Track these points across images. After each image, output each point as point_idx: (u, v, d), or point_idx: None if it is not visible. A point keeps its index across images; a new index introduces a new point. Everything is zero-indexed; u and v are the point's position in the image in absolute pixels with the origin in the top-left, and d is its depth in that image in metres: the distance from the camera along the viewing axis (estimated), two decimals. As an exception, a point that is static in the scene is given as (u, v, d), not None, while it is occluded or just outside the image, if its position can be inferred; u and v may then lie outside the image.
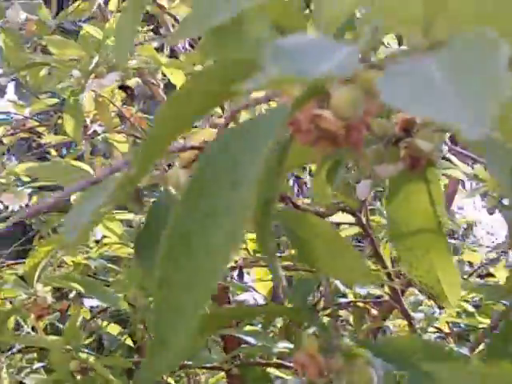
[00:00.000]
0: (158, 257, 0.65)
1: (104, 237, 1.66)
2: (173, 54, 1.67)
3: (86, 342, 1.67)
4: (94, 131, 1.64)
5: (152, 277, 0.63)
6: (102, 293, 1.01)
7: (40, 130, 1.81)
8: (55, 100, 1.84)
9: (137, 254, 0.63)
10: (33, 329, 1.26)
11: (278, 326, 1.44)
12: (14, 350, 1.29)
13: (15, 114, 1.84)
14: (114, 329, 1.71)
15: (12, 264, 1.64)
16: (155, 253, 0.65)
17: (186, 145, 0.62)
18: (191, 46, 1.68)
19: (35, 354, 1.44)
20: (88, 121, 1.59)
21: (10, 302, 1.32)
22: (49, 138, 1.70)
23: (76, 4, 1.70)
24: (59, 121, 1.77)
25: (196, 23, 0.44)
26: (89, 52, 1.11)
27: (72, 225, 0.55)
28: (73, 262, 1.42)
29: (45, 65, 1.48)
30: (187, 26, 0.43)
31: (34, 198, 1.64)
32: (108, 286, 1.51)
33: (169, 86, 1.77)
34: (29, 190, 1.54)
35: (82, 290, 1.01)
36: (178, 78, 1.62)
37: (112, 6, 1.71)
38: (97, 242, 1.71)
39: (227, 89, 0.44)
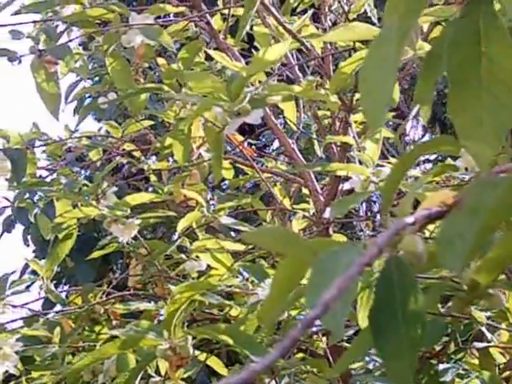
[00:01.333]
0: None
1: (209, 267, 1.59)
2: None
3: (185, 375, 1.60)
4: (199, 156, 1.57)
5: (388, 356, 0.56)
6: (251, 344, 0.94)
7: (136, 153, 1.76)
8: (151, 122, 1.78)
9: (371, 328, 0.56)
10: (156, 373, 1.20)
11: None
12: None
13: (108, 136, 1.79)
14: (214, 361, 1.63)
15: (116, 296, 1.59)
16: (389, 329, 0.58)
17: (431, 211, 0.55)
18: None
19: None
20: (194, 146, 1.53)
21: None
22: (154, 166, 1.64)
23: (177, 25, 1.64)
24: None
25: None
26: (236, 91, 1.03)
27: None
28: (187, 297, 1.35)
29: (155, 90, 1.42)
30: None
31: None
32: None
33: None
34: (138, 221, 1.47)
35: (230, 341, 0.93)
36: (289, 110, 1.56)
37: (217, 24, 1.64)
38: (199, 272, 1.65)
39: None
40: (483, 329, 1.22)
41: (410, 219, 0.52)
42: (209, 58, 1.76)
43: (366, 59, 0.54)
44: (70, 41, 1.33)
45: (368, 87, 0.52)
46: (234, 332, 0.96)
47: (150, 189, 2.83)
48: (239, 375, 0.36)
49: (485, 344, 1.26)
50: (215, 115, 1.40)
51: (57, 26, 1.43)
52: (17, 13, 1.40)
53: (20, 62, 1.25)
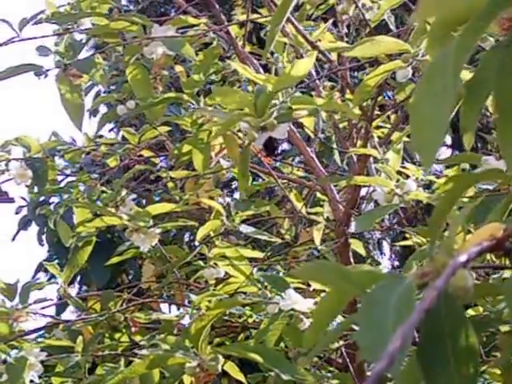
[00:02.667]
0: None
1: (228, 275, 1.59)
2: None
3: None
4: (217, 163, 1.58)
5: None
6: (282, 363, 0.94)
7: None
8: (167, 128, 1.78)
9: (420, 364, 0.57)
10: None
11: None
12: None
13: (125, 143, 1.78)
14: (231, 368, 1.63)
15: (136, 304, 1.59)
16: (438, 365, 0.58)
17: (483, 246, 0.55)
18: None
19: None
20: (212, 153, 1.53)
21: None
22: (174, 174, 1.64)
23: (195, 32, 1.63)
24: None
25: None
26: (262, 107, 1.03)
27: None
28: (208, 307, 1.35)
29: (175, 99, 1.41)
30: None
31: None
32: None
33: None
34: (159, 230, 1.47)
35: (261, 360, 0.94)
36: (308, 119, 1.56)
37: (234, 31, 1.64)
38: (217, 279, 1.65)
39: None
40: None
41: (463, 257, 0.53)
42: (221, 58, 1.76)
43: (417, 92, 0.53)
44: (94, 54, 1.33)
45: (421, 123, 0.51)
46: (264, 350, 0.96)
47: (160, 190, 2.82)
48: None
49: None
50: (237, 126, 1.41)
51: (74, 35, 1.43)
52: (37, 22, 1.40)
53: (46, 76, 1.25)
